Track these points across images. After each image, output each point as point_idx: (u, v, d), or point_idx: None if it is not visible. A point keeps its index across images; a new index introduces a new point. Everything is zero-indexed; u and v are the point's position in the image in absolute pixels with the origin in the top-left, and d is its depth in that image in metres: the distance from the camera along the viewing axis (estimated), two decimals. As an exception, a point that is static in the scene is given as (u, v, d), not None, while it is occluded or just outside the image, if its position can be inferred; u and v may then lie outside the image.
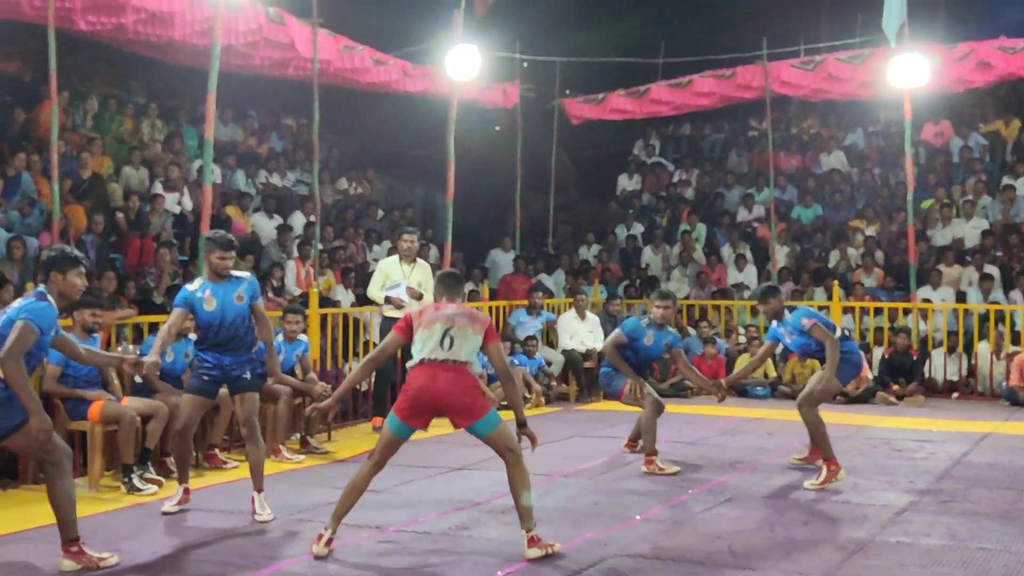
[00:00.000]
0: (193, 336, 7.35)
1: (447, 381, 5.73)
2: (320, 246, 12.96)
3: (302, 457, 8.82)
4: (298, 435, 9.27)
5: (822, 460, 7.83)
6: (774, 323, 8.38)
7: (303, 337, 9.41)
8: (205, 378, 6.88)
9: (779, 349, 14.02)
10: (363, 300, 12.59)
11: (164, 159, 13.73)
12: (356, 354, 11.28)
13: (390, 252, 13.45)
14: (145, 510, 6.93)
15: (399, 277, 10.26)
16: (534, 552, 5.71)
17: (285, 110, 17.02)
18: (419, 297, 10.17)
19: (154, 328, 8.77)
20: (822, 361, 8.20)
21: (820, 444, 7.90)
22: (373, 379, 10.59)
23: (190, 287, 6.92)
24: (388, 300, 10.15)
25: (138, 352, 8.29)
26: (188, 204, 13.15)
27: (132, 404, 7.65)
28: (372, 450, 5.94)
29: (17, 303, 5.57)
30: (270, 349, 7.18)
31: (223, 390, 7.10)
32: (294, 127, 16.97)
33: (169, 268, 11.37)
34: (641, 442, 8.53)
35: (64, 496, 5.47)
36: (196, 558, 5.78)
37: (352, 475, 5.95)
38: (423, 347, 5.78)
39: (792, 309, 8.30)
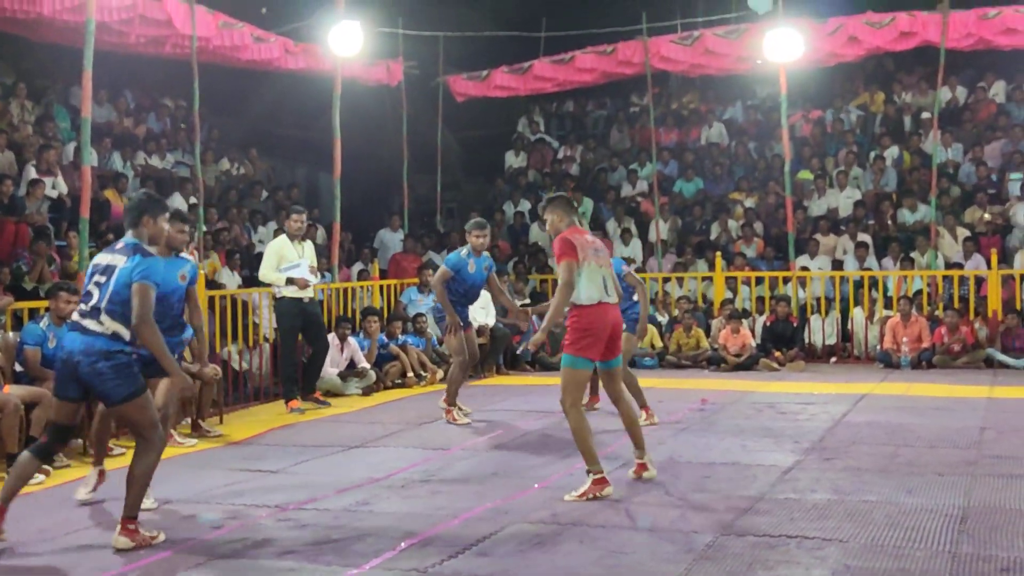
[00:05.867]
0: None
1: (616, 317, 6.64)
2: (203, 228, 12.69)
3: (194, 441, 8.68)
4: (189, 419, 9.10)
5: (640, 408, 8.72)
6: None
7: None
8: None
9: (663, 320, 14.40)
10: (249, 282, 12.38)
11: (35, 142, 13.22)
12: (245, 338, 11.13)
13: (276, 233, 13.28)
14: (31, 498, 6.72)
15: (295, 257, 10.19)
16: (649, 474, 6.82)
17: (163, 90, 16.56)
18: (317, 275, 10.37)
19: (33, 314, 8.48)
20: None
21: (636, 394, 8.72)
22: (280, 363, 10.66)
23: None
24: (291, 281, 10.06)
25: (18, 340, 8.04)
26: (63, 187, 12.70)
27: (15, 392, 7.40)
28: (570, 398, 6.43)
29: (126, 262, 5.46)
30: (199, 335, 7.12)
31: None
32: (172, 107, 16.53)
33: (45, 253, 10.98)
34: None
35: (147, 473, 5.58)
36: (92, 541, 5.62)
37: (574, 425, 6.45)
38: (592, 288, 6.50)
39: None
